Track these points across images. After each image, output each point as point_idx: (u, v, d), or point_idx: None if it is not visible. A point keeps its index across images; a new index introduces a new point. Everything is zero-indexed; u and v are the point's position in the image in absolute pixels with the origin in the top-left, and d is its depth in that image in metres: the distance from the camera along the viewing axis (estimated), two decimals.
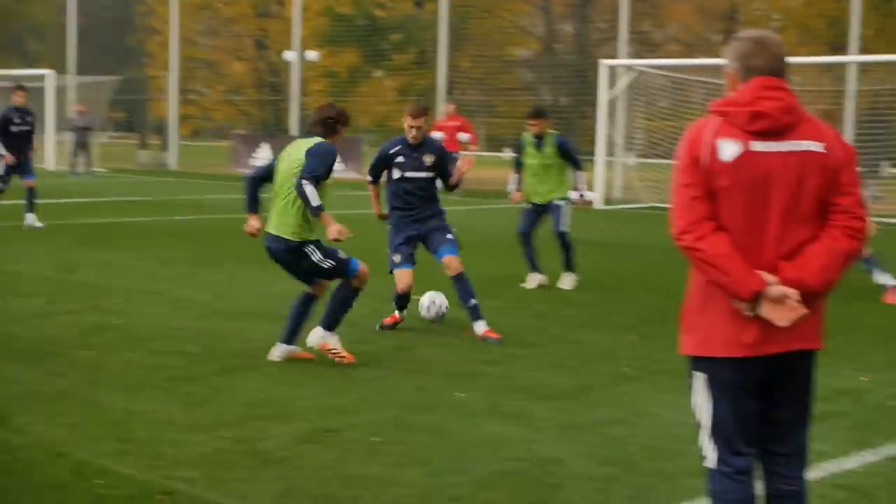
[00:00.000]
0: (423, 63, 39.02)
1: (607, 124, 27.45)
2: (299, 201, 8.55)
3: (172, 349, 9.16)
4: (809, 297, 4.21)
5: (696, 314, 4.37)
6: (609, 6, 40.33)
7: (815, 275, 4.21)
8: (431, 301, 10.71)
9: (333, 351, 8.78)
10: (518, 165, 13.61)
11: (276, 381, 8.19)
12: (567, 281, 13.29)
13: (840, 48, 31.53)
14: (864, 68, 27.13)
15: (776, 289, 4.17)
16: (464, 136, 28.89)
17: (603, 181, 26.92)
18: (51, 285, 12.46)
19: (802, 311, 4.18)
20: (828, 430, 7.01)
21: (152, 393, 7.75)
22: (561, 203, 13.36)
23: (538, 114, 13.44)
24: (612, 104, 28.07)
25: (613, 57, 31.35)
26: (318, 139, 8.77)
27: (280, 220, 8.73)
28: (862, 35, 28.46)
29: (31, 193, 18.42)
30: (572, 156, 13.45)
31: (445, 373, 8.55)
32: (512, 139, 46.89)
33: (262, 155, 37.25)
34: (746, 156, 4.21)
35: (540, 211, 13.46)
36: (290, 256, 8.76)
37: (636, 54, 39.65)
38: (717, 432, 4.35)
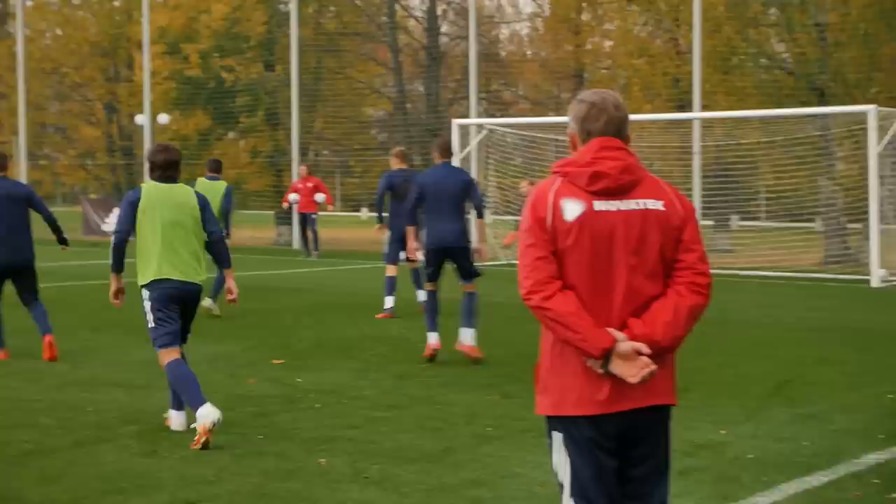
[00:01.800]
0: (275, 125, 38.91)
1: None
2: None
3: (25, 422, 8.89)
4: (658, 352, 4.26)
5: (549, 373, 4.39)
6: (458, 66, 40.87)
7: (661, 330, 4.25)
8: None
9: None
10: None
11: (132, 452, 8.00)
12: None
13: (684, 105, 32.41)
14: (707, 124, 27.88)
15: (625, 345, 4.21)
16: (320, 197, 28.87)
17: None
18: None
19: (653, 367, 4.22)
20: (690, 485, 7.11)
21: (4, 469, 7.50)
22: None
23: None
24: (464, 162, 28.35)
25: (465, 116, 31.70)
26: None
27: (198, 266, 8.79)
28: (704, 92, 29.28)
29: None
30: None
31: (306, 438, 8.45)
32: (367, 198, 46.50)
33: (112, 220, 36.64)
34: (588, 215, 4.27)
35: None
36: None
37: (487, 112, 40.20)
38: (578, 491, 4.35)
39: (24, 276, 12.34)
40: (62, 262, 26.87)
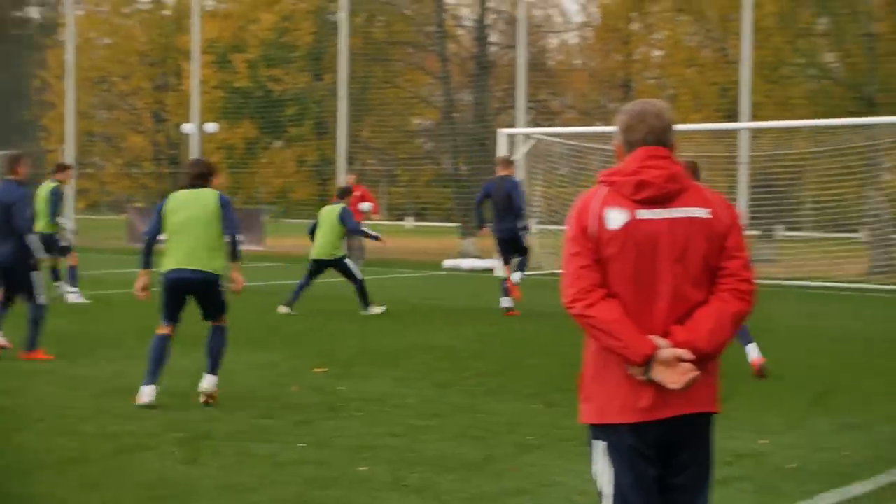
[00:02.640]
0: (322, 134, 39.05)
1: None
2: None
3: (67, 430, 8.93)
4: (701, 359, 4.25)
5: (592, 381, 4.39)
6: (506, 76, 40.79)
7: (704, 337, 4.25)
8: None
9: None
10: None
11: (174, 460, 8.01)
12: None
13: (732, 115, 32.22)
14: (755, 134, 27.69)
15: (667, 352, 4.21)
16: (365, 206, 28.91)
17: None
18: None
19: (694, 373, 4.21)
20: (731, 495, 7.05)
21: (47, 475, 7.53)
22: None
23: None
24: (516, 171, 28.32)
25: (512, 125, 31.65)
26: None
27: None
28: (752, 102, 29.10)
29: None
30: None
31: (346, 446, 8.43)
32: (413, 207, 46.48)
33: None
34: (633, 224, 4.29)
35: None
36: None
37: (534, 122, 40.14)
38: (618, 500, 4.34)
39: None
40: (109, 269, 27.12)
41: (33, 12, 77.89)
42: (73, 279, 18.65)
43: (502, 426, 9.21)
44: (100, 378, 11.44)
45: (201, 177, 10.20)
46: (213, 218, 10.02)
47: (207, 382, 10.05)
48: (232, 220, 10.16)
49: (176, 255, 10.00)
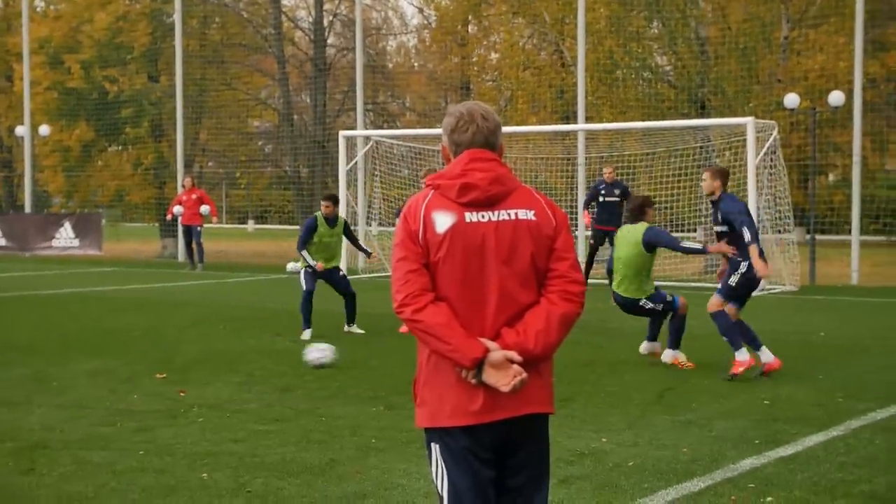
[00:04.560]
0: (160, 136, 38.42)
1: (347, 194, 27.61)
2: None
3: None
4: (530, 361, 4.27)
5: (425, 385, 4.40)
6: (346, 78, 40.79)
7: (533, 339, 4.27)
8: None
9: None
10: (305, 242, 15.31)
11: (8, 469, 7.80)
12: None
13: (569, 117, 32.79)
14: (591, 135, 28.19)
15: (497, 354, 4.22)
16: (205, 209, 28.57)
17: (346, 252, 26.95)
18: None
19: (523, 375, 4.22)
20: (572, 493, 7.18)
21: None
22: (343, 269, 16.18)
23: (333, 199, 15.59)
24: (351, 174, 28.32)
25: (352, 128, 31.65)
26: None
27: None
28: (588, 104, 29.65)
29: None
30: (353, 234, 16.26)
31: (187, 453, 8.34)
32: (254, 210, 45.85)
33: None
34: (459, 227, 4.29)
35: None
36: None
37: (374, 125, 40.18)
38: (455, 502, 4.34)
39: None
40: None
41: None
42: None
43: (345, 429, 9.22)
44: None
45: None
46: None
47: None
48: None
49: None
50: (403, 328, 15.01)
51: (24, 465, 7.93)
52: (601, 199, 22.66)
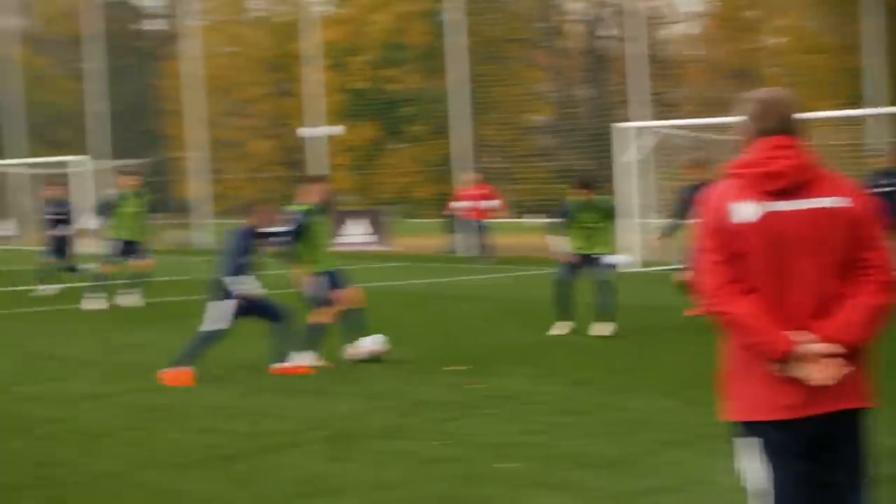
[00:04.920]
0: (441, 133, 39.27)
1: (630, 186, 27.47)
2: None
3: (218, 428, 9.18)
4: (848, 353, 4.16)
5: (737, 379, 4.32)
6: (623, 69, 40.57)
7: (847, 331, 4.17)
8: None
9: None
10: (564, 227, 14.77)
11: (320, 457, 8.19)
12: (606, 328, 14.30)
13: (857, 102, 31.61)
14: (884, 120, 27.13)
15: (807, 347, 4.14)
16: (490, 204, 28.94)
17: (639, 244, 26.68)
18: (96, 368, 12.55)
19: (843, 368, 4.14)
20: (890, 494, 6.93)
21: (199, 472, 7.77)
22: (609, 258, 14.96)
23: (586, 184, 15.09)
24: (631, 166, 28.14)
25: (629, 119, 31.47)
26: None
27: None
28: (878, 88, 28.55)
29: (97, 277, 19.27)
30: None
31: (487, 444, 8.52)
32: (533, 204, 46.49)
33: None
34: (766, 217, 4.21)
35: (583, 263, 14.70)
36: None
37: (652, 116, 39.83)
38: (778, 497, 4.26)
39: None
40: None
41: (154, 24, 79.53)
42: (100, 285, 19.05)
43: (640, 423, 9.20)
44: (245, 378, 11.70)
45: None
46: None
47: None
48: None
49: None
50: (690, 311, 14.67)
51: (334, 453, 8.28)
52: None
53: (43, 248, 20.58)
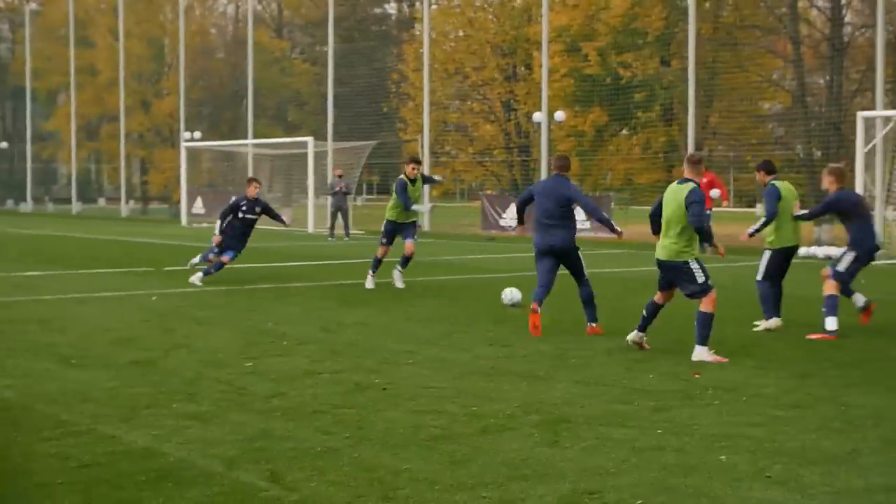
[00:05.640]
0: (669, 120, 38.78)
1: (865, 177, 26.59)
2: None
3: (433, 409, 9.30)
4: None
5: None
6: (863, 57, 39.22)
7: None
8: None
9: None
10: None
11: (535, 441, 8.20)
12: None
13: None
14: None
15: None
16: (715, 193, 28.46)
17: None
18: (314, 345, 12.86)
19: None
20: None
21: (415, 451, 7.88)
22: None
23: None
24: (868, 156, 27.21)
25: (870, 108, 30.41)
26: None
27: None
28: None
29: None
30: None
31: (705, 434, 8.38)
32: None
33: (510, 215, 37.64)
34: None
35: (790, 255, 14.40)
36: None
37: (893, 105, 38.35)
38: None
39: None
40: (463, 255, 27.93)
41: (391, 8, 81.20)
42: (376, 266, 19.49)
43: (867, 419, 8.91)
44: (459, 360, 11.83)
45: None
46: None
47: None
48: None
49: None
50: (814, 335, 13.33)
51: (548, 438, 8.28)
52: None
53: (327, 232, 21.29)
